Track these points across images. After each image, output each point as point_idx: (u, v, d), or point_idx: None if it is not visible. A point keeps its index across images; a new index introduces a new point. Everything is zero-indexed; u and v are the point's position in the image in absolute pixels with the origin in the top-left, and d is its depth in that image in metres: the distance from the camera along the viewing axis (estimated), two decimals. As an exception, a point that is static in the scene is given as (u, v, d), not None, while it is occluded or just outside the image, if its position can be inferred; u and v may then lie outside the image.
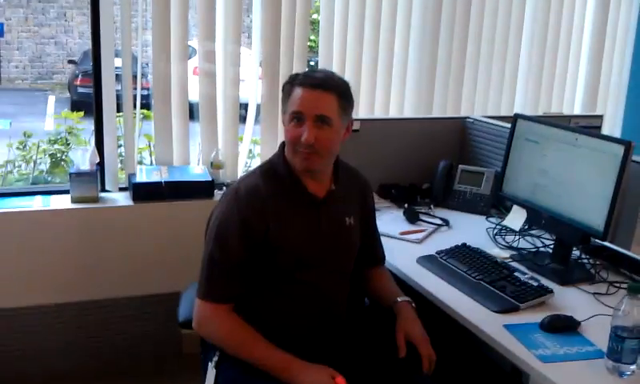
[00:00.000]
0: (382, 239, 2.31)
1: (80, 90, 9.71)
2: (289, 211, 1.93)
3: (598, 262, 2.31)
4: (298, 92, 1.88)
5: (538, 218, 2.41)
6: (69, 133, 3.87)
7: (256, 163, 3.35)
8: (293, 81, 1.92)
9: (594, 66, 3.93)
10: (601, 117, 3.61)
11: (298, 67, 3.18)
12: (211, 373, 1.91)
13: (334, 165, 2.02)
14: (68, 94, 11.70)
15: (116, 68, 2.93)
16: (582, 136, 2.24)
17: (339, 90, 1.91)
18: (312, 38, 4.19)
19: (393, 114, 3.52)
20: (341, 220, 2.03)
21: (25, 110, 10.71)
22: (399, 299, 2.05)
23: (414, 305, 2.04)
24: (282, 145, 1.99)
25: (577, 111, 3.92)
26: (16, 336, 2.87)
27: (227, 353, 1.88)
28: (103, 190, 3.00)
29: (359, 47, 3.37)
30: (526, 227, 2.58)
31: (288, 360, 1.81)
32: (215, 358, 1.92)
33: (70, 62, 12.01)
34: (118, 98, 2.97)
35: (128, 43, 2.91)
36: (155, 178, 2.93)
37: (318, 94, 1.87)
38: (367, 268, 2.19)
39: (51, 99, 12.02)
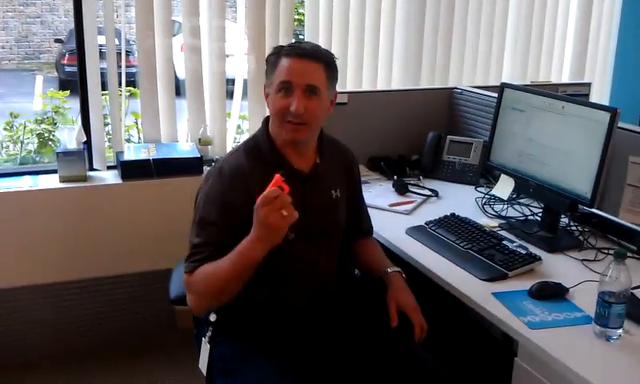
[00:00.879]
0: (372, 211, 2.32)
1: (67, 68, 9.62)
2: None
3: (586, 229, 2.33)
4: (285, 62, 1.86)
5: (525, 186, 2.41)
6: (55, 112, 3.84)
7: (244, 139, 3.33)
8: (279, 52, 1.90)
9: (581, 34, 3.92)
10: (589, 85, 3.61)
11: (284, 41, 3.15)
12: (205, 348, 1.92)
13: (319, 138, 2.01)
14: (56, 74, 11.60)
15: (100, 45, 2.91)
16: (568, 104, 2.24)
17: (326, 61, 1.90)
18: (301, 11, 4.16)
19: (380, 86, 3.50)
20: (327, 193, 2.03)
21: (12, 90, 10.62)
22: (389, 270, 2.05)
23: (404, 275, 2.05)
24: (266, 120, 1.98)
25: (565, 79, 3.91)
26: (4, 316, 2.87)
27: (215, 299, 1.86)
28: (91, 168, 2.98)
29: (346, 19, 3.35)
30: (515, 196, 2.59)
31: (243, 247, 1.74)
32: (209, 334, 1.92)
33: (57, 40, 11.88)
34: (105, 76, 2.95)
35: (111, 20, 2.88)
36: (143, 155, 2.92)
37: (306, 63, 1.86)
38: (355, 240, 2.19)
39: (39, 79, 11.91)
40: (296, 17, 3.27)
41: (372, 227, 2.26)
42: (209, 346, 1.92)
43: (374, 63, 3.46)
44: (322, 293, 2.02)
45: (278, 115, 1.88)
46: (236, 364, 1.85)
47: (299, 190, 1.92)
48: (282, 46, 1.94)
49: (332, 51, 3.16)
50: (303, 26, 3.38)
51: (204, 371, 1.93)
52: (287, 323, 1.88)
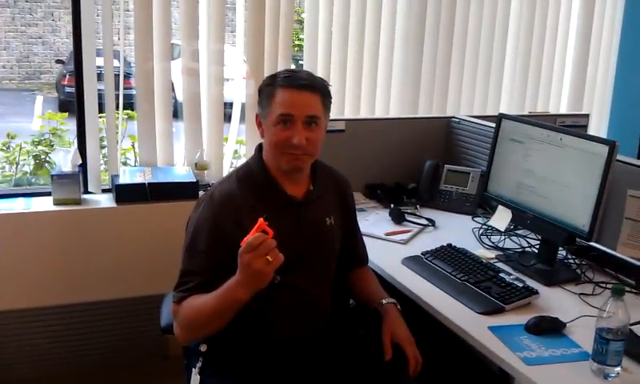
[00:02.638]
0: (368, 240, 2.30)
1: (67, 89, 9.63)
2: (266, 212, 1.84)
3: (584, 262, 2.31)
4: (283, 94, 1.83)
5: (523, 218, 2.39)
6: (53, 134, 3.82)
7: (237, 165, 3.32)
8: (273, 82, 1.87)
9: (579, 65, 3.93)
10: (587, 116, 3.61)
11: (283, 66, 3.15)
12: (195, 379, 1.89)
13: (312, 165, 1.99)
14: (56, 94, 11.63)
15: (100, 67, 2.90)
16: (566, 136, 2.23)
17: (322, 89, 1.89)
18: (301, 37, 4.16)
19: (378, 114, 3.50)
20: (321, 220, 2.00)
21: (12, 110, 10.63)
22: (384, 301, 2.03)
23: (399, 307, 2.02)
24: (259, 147, 1.96)
25: (563, 110, 3.91)
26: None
27: (199, 333, 1.84)
28: (86, 191, 2.96)
29: (344, 46, 3.35)
30: (512, 227, 2.57)
31: (229, 286, 1.71)
32: (199, 365, 1.89)
33: (58, 61, 11.93)
34: (103, 97, 2.94)
35: (109, 42, 2.88)
36: (139, 179, 2.90)
37: (305, 94, 1.84)
38: (350, 269, 2.17)
39: (39, 99, 11.94)
40: (295, 42, 3.25)
41: (367, 256, 2.23)
42: (198, 377, 1.88)
43: (373, 90, 3.46)
44: (315, 322, 1.98)
45: (278, 147, 1.86)
46: None
47: (293, 217, 1.92)
48: (274, 76, 1.91)
49: (330, 78, 3.24)
50: (302, 50, 3.38)
51: None
52: (278, 354, 1.85)
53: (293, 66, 3.59)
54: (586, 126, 3.50)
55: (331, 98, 1.95)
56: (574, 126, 3.30)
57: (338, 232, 2.06)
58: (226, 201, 1.86)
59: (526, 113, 3.70)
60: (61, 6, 12.15)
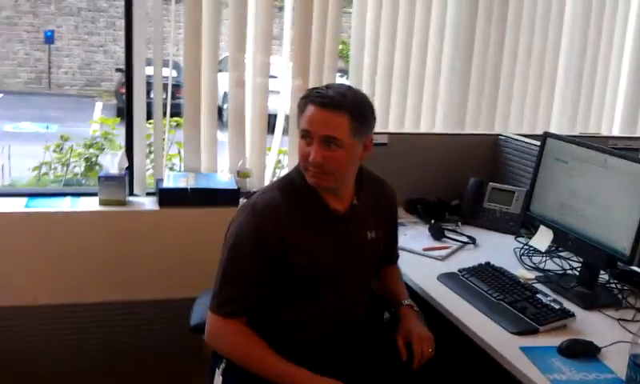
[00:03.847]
0: (404, 254, 2.35)
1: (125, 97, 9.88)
2: (308, 228, 1.89)
3: (625, 288, 2.24)
4: (309, 109, 1.82)
5: (564, 239, 2.34)
6: (104, 138, 3.93)
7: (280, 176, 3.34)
8: (307, 96, 1.86)
9: (634, 86, 3.81)
10: (640, 139, 3.51)
11: (328, 78, 3.16)
12: (217, 380, 1.91)
13: (358, 177, 1.97)
14: (115, 101, 11.96)
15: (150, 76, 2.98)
16: (611, 157, 2.17)
17: (351, 110, 1.82)
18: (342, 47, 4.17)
19: (423, 128, 3.47)
20: (363, 235, 1.99)
21: (72, 115, 11.00)
22: (404, 302, 2.08)
23: (416, 308, 2.07)
24: None
25: (615, 132, 3.81)
26: (38, 334, 2.91)
27: (236, 365, 1.87)
28: (132, 194, 3.03)
29: (391, 59, 3.33)
30: (554, 248, 2.52)
31: (297, 373, 1.79)
32: (222, 365, 1.91)
33: (118, 70, 12.28)
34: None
35: (159, 52, 2.94)
36: (182, 184, 2.95)
37: (327, 113, 1.80)
38: (381, 267, 2.19)
39: (98, 105, 12.31)
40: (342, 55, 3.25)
41: (398, 255, 2.29)
42: (221, 378, 1.90)
43: (418, 105, 3.43)
44: (348, 334, 1.98)
45: (301, 161, 1.88)
46: None
47: (334, 231, 1.92)
48: (311, 90, 1.89)
49: (375, 90, 3.22)
50: (347, 61, 3.39)
51: None
52: (309, 364, 1.84)
53: (339, 79, 3.60)
54: (638, 149, 3.40)
55: (366, 117, 1.88)
56: (626, 148, 3.21)
57: (380, 244, 2.06)
58: (269, 210, 1.86)
59: (576, 133, 3.62)
60: (123, 16, 12.58)
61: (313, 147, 1.81)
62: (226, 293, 1.84)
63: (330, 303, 1.92)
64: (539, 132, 3.44)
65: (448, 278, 2.30)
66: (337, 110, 1.80)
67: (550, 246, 2.44)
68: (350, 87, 1.94)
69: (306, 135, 1.83)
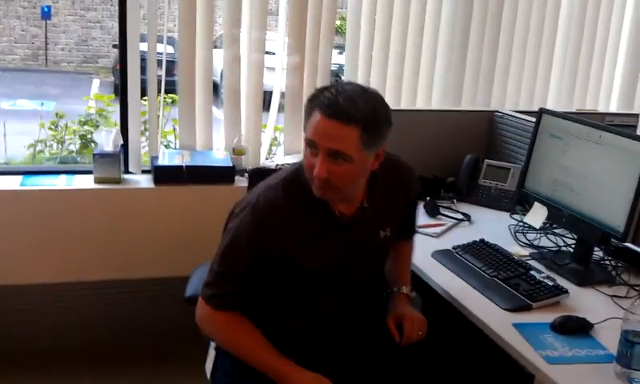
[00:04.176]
0: None
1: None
2: (310, 234, 1.78)
3: (619, 264, 2.24)
4: (315, 117, 1.65)
5: (558, 215, 2.34)
6: (99, 114, 3.91)
7: (280, 152, 3.33)
8: (314, 100, 1.68)
9: (632, 63, 3.79)
10: (637, 115, 3.48)
11: (324, 55, 3.14)
12: (211, 353, 1.91)
13: (371, 176, 1.82)
14: (112, 78, 11.89)
15: (143, 52, 2.96)
16: (605, 133, 2.17)
17: (363, 121, 1.63)
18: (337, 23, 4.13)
19: (419, 105, 3.45)
20: (374, 236, 1.89)
21: (69, 92, 10.93)
22: (402, 290, 2.03)
23: (411, 295, 2.03)
24: None
25: (613, 109, 3.80)
26: (33, 312, 2.93)
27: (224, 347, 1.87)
28: (127, 171, 3.02)
29: (387, 35, 3.31)
30: (549, 225, 2.52)
31: (282, 365, 1.75)
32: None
33: (115, 46, 12.20)
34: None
35: (153, 28, 2.92)
36: (177, 161, 2.95)
37: (335, 125, 1.62)
38: (395, 240, 2.05)
39: (95, 82, 12.25)
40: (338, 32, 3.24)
41: (415, 230, 2.22)
42: (214, 352, 1.91)
43: (414, 81, 3.42)
44: (347, 328, 1.94)
45: (307, 170, 1.73)
46: (231, 380, 1.85)
47: (339, 236, 1.83)
48: (320, 93, 1.69)
49: (372, 67, 3.19)
50: (343, 36, 3.36)
51: (208, 374, 1.93)
52: (304, 357, 1.80)
53: (337, 56, 3.57)
54: (635, 126, 3.39)
55: (379, 129, 1.69)
56: (622, 125, 3.19)
57: (392, 237, 1.95)
58: (270, 216, 1.75)
59: (574, 110, 3.60)
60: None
61: (318, 159, 1.66)
62: (217, 287, 1.78)
63: (329, 302, 1.87)
64: (536, 108, 3.44)
65: (442, 255, 2.30)
66: (346, 122, 1.62)
67: (544, 223, 2.45)
68: (364, 90, 1.71)
69: (311, 145, 1.68)
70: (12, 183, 2.85)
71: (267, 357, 1.76)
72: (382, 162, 1.78)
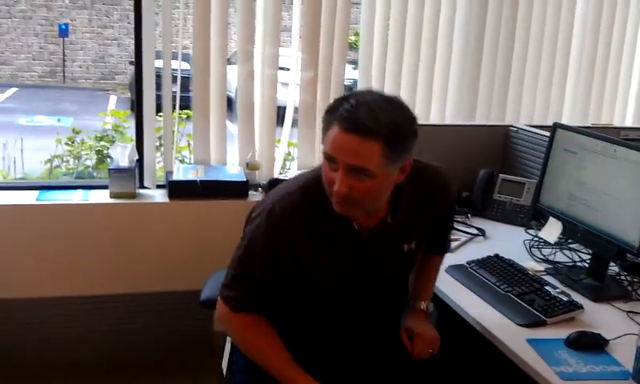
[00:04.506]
0: None
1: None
2: (325, 243, 1.74)
3: (636, 280, 2.22)
4: (334, 130, 1.56)
5: (573, 230, 2.32)
6: (115, 130, 3.96)
7: (294, 167, 3.34)
8: (332, 112, 1.60)
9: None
10: (652, 129, 3.47)
11: (338, 70, 3.15)
12: (227, 347, 1.94)
13: (396, 190, 1.73)
14: (129, 94, 12.01)
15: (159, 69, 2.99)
16: (620, 148, 2.15)
17: (385, 136, 1.54)
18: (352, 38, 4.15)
19: (433, 120, 3.45)
20: (397, 249, 1.82)
21: (86, 108, 11.05)
22: (420, 306, 1.99)
23: (428, 311, 2.00)
24: None
25: (628, 123, 3.77)
26: (46, 325, 2.95)
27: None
28: (142, 186, 3.04)
29: (400, 48, 3.32)
30: (564, 240, 2.50)
31: (294, 372, 1.73)
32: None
33: (132, 63, 12.33)
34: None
35: (168, 45, 2.96)
36: (191, 176, 2.96)
37: (355, 139, 1.54)
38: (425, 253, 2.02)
39: (112, 99, 12.38)
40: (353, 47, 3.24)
41: (448, 247, 2.15)
42: (230, 345, 1.92)
43: (428, 96, 3.42)
44: (364, 347, 1.91)
45: (326, 185, 1.65)
46: (246, 373, 1.85)
47: (359, 250, 1.77)
48: (339, 104, 1.60)
49: (385, 81, 3.19)
50: (356, 50, 3.37)
51: (224, 370, 1.95)
52: (319, 358, 1.81)
53: (350, 71, 3.58)
54: (651, 140, 3.37)
55: (403, 141, 1.60)
56: (638, 139, 3.18)
57: (418, 252, 1.90)
58: (285, 223, 1.71)
59: (589, 124, 3.59)
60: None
61: (338, 175, 1.58)
62: (234, 290, 1.78)
63: (347, 313, 1.84)
64: (551, 122, 3.43)
65: (456, 270, 2.29)
66: (367, 137, 1.53)
67: (559, 238, 2.43)
68: (386, 100, 1.62)
69: (330, 160, 1.59)
70: (28, 198, 2.88)
71: (278, 363, 1.74)
72: (409, 173, 1.70)
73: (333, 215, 1.67)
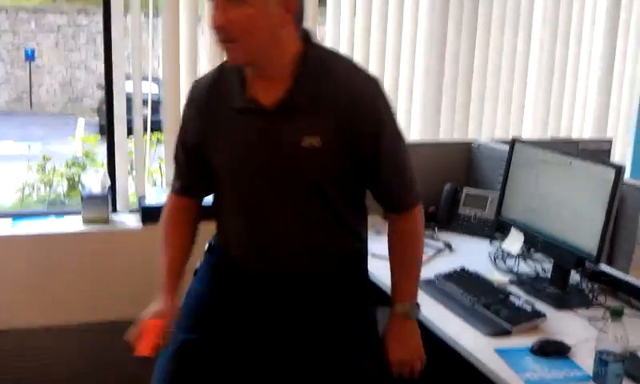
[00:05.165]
0: (380, 262, 2.20)
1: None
2: (227, 117, 1.67)
3: (596, 287, 2.31)
4: None
5: (534, 241, 2.41)
6: (86, 156, 3.97)
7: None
8: None
9: (604, 89, 3.91)
10: (610, 141, 3.58)
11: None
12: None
13: (301, 64, 1.61)
14: (97, 118, 11.95)
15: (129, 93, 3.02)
16: (575, 160, 2.26)
17: None
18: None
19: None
20: (296, 139, 1.61)
21: (55, 132, 10.97)
22: (397, 308, 1.83)
23: (412, 312, 1.85)
24: None
25: (587, 135, 3.90)
26: (27, 356, 2.93)
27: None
28: (114, 211, 3.07)
29: (365, 66, 3.37)
30: (526, 251, 2.58)
31: (163, 284, 1.87)
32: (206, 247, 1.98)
33: (100, 86, 12.28)
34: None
35: (138, 68, 3.00)
36: (164, 200, 2.97)
37: None
38: (386, 211, 1.84)
39: (80, 122, 12.29)
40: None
41: (403, 202, 1.81)
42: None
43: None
44: (285, 265, 1.75)
45: (211, 32, 1.59)
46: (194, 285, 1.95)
47: (256, 126, 1.64)
48: None
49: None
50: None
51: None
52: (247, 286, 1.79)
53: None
54: (609, 151, 3.48)
55: None
56: (596, 151, 3.29)
57: (328, 157, 1.64)
58: (198, 91, 1.75)
59: (548, 137, 3.70)
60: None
61: (217, 11, 1.54)
62: (174, 171, 1.88)
63: (249, 202, 1.72)
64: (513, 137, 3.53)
65: (424, 284, 2.33)
66: None
67: (522, 249, 2.51)
68: None
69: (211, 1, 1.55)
70: (2, 226, 2.89)
71: (162, 260, 1.90)
72: (322, 57, 1.64)
73: (236, 85, 1.64)
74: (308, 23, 1.74)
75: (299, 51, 1.62)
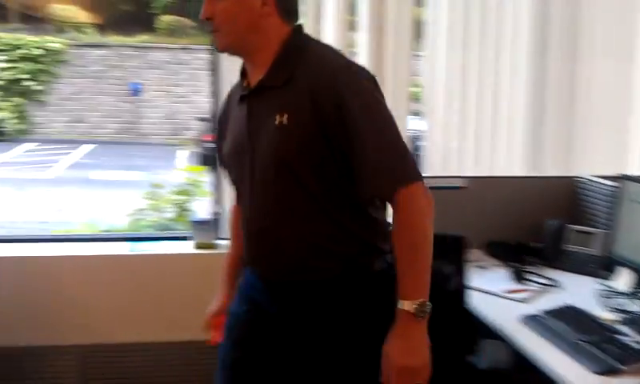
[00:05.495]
0: (485, 296, 2.24)
1: (207, 144, 10.23)
2: (234, 108, 1.82)
3: None
4: None
5: (646, 279, 2.34)
6: (192, 184, 4.16)
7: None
8: None
9: None
10: None
11: (401, 120, 3.25)
12: None
13: (284, 50, 1.69)
14: (196, 149, 12.35)
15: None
16: (692, 197, 2.19)
17: None
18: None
19: (500, 171, 3.49)
20: (267, 117, 1.64)
21: (158, 162, 11.44)
22: (403, 305, 1.59)
23: (419, 313, 1.59)
24: None
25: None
26: (140, 371, 3.10)
27: None
28: (220, 237, 3.18)
29: (464, 101, 3.38)
30: (638, 290, 2.51)
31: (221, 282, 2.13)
32: None
33: (199, 119, 12.73)
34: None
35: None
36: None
37: None
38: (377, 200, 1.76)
39: (183, 153, 12.75)
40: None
41: (391, 184, 1.61)
42: None
43: (495, 147, 3.46)
44: (263, 258, 1.77)
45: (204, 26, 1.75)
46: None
47: (245, 108, 1.74)
48: None
49: (450, 133, 3.23)
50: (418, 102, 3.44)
51: None
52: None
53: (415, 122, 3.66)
54: None
55: None
56: None
57: (295, 135, 1.61)
58: (225, 98, 1.96)
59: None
60: (203, 68, 13.09)
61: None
62: None
63: (245, 205, 1.79)
64: (621, 172, 3.42)
65: (529, 320, 2.31)
66: None
67: (634, 288, 2.44)
68: None
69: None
70: (122, 249, 3.10)
71: (226, 257, 2.12)
72: (302, 45, 1.70)
73: (240, 82, 1.79)
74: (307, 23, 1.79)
75: (285, 40, 1.71)
